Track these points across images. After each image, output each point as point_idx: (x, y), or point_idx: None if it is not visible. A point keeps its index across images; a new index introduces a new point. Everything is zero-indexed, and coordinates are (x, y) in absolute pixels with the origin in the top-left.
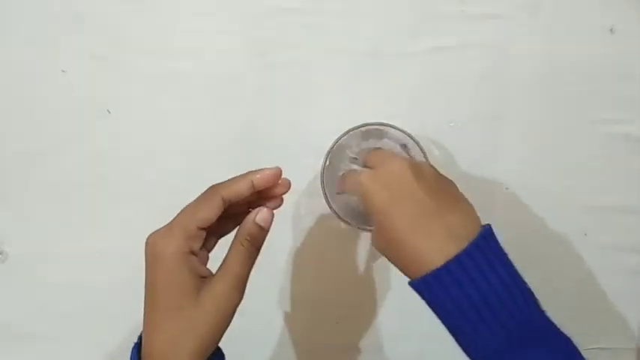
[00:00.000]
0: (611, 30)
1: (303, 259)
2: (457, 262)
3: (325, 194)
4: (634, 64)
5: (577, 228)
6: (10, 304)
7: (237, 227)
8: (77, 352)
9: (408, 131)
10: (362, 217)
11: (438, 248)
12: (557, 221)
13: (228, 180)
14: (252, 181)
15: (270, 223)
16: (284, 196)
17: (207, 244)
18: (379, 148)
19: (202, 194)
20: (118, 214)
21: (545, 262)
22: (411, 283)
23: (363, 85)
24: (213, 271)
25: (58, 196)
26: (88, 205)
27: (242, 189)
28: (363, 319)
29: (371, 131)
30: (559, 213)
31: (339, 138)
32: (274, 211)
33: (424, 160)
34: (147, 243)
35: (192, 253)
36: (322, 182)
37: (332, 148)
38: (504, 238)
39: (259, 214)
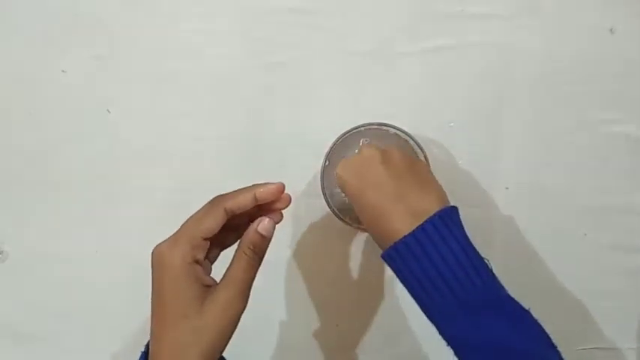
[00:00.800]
0: (611, 30)
1: (303, 259)
2: (413, 237)
3: (325, 194)
4: (634, 64)
5: (577, 228)
6: (10, 304)
7: (239, 241)
8: (77, 352)
9: (408, 131)
10: None
11: (399, 228)
12: (557, 221)
13: (232, 192)
14: (255, 194)
15: (272, 232)
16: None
17: (210, 256)
18: None
19: (206, 205)
20: (118, 214)
21: (545, 262)
22: (381, 256)
23: (363, 85)
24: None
25: (58, 196)
26: (88, 205)
27: (245, 201)
28: (363, 319)
29: (371, 131)
30: (559, 213)
31: (339, 138)
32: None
33: (424, 160)
34: (153, 254)
35: (197, 262)
36: (322, 182)
37: (332, 148)
38: (504, 237)
39: (261, 224)
